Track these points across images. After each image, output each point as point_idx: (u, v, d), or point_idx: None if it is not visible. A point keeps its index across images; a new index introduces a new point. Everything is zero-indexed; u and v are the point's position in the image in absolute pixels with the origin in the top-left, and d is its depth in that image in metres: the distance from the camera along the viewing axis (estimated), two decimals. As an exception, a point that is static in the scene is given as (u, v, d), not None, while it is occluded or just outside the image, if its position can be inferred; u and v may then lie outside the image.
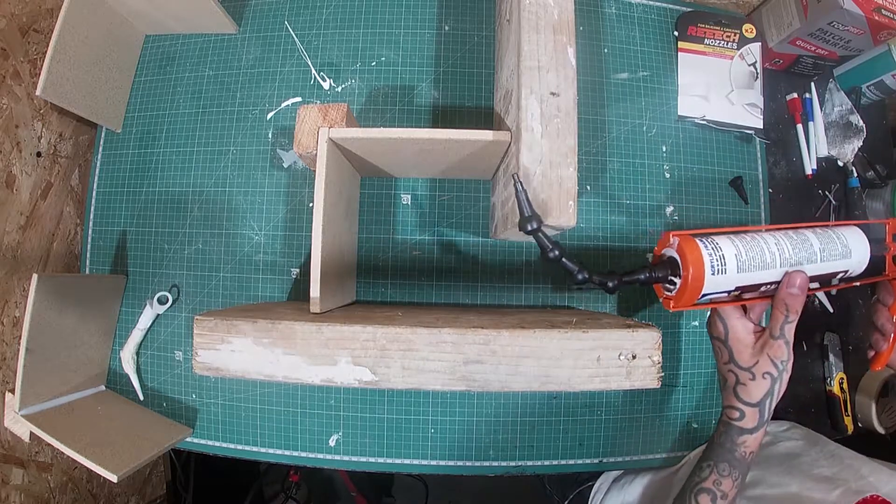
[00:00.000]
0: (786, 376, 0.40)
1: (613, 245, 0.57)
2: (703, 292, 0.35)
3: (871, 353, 0.48)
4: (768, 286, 0.38)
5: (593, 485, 0.63)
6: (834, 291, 0.61)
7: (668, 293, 0.37)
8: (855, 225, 0.41)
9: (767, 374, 0.40)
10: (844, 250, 0.39)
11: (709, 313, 0.43)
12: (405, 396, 0.54)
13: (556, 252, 0.35)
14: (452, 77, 0.58)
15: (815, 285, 0.39)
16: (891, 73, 0.59)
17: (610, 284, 0.36)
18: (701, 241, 0.36)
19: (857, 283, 0.43)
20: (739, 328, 0.41)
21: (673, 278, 0.36)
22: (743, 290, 0.37)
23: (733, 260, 0.35)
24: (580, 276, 0.35)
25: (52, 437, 0.46)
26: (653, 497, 0.56)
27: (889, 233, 0.43)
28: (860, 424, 0.60)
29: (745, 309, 0.42)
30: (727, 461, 0.41)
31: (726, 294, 0.37)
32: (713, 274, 0.35)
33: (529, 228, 0.35)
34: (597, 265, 0.57)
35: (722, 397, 0.43)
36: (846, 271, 0.40)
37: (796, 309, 0.38)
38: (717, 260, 0.35)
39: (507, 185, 0.43)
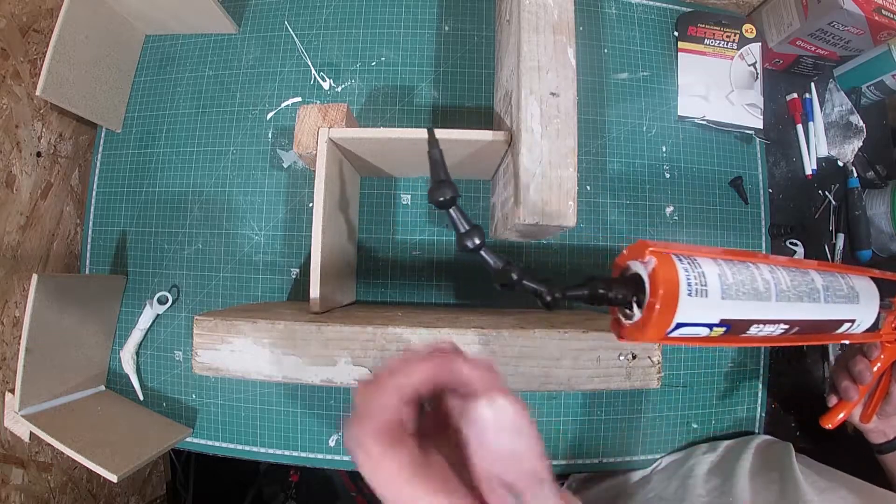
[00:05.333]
0: None
1: (613, 245, 0.57)
2: (675, 320, 0.26)
3: (834, 401, 0.45)
4: (760, 326, 0.29)
5: (563, 483, 0.63)
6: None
7: (625, 319, 0.29)
8: (865, 273, 0.34)
9: None
10: (851, 293, 0.32)
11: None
12: (405, 396, 0.54)
13: (477, 241, 0.27)
14: (452, 77, 0.58)
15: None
16: (891, 73, 0.59)
17: (547, 298, 0.26)
18: (676, 256, 0.28)
19: (847, 342, 0.37)
20: None
21: (634, 302, 0.28)
22: (731, 327, 0.28)
23: (716, 280, 0.27)
24: (513, 275, 0.26)
25: (52, 437, 0.46)
26: (616, 497, 0.55)
27: None
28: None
29: None
30: None
31: (708, 329, 0.28)
32: (690, 295, 0.26)
33: (441, 199, 0.27)
34: (596, 266, 0.57)
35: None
36: (853, 321, 0.32)
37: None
38: (695, 277, 0.27)
39: (507, 185, 0.43)
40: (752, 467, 0.48)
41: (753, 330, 0.29)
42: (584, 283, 0.27)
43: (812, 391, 0.60)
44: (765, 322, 0.29)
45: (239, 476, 1.01)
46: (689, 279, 0.27)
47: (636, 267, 0.28)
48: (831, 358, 0.60)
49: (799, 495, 0.42)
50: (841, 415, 0.43)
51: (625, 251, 0.29)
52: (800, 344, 0.36)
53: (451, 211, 0.26)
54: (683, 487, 0.50)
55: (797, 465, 0.47)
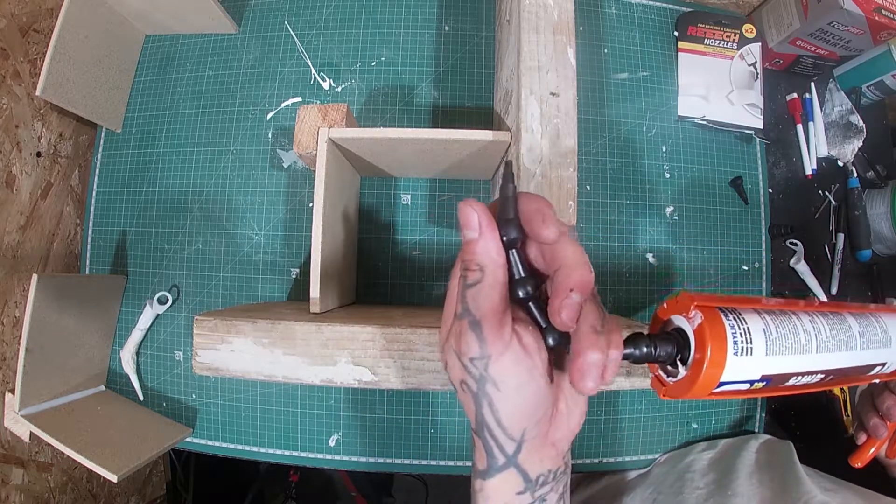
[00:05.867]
0: (493, 391, 0.23)
1: (613, 245, 0.57)
2: (720, 380, 0.26)
3: (863, 439, 0.44)
4: (799, 377, 0.29)
5: None
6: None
7: (666, 376, 0.28)
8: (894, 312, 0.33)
9: (463, 382, 0.24)
10: (884, 337, 0.32)
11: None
12: (405, 396, 0.54)
13: (530, 290, 0.25)
14: (452, 77, 0.58)
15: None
16: (891, 73, 0.59)
17: None
18: (721, 311, 0.27)
19: (877, 381, 0.36)
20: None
21: (677, 360, 0.27)
22: (770, 381, 0.28)
23: (761, 337, 0.27)
24: (549, 341, 0.24)
25: (52, 437, 0.46)
26: (615, 494, 0.55)
27: None
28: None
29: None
30: None
31: (748, 385, 0.28)
32: (737, 354, 0.26)
33: (504, 238, 0.24)
34: (596, 267, 0.56)
35: None
36: (883, 364, 0.32)
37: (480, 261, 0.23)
38: (741, 335, 0.26)
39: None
40: (751, 464, 0.49)
41: (792, 381, 0.29)
42: (627, 339, 0.26)
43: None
44: (805, 374, 0.29)
45: (239, 476, 1.01)
46: (735, 338, 0.26)
47: (679, 322, 0.27)
48: None
49: (802, 492, 0.42)
50: (871, 450, 0.42)
51: (665, 304, 0.28)
52: (831, 388, 0.35)
53: (510, 253, 0.24)
54: (681, 481, 0.50)
55: (800, 464, 0.47)
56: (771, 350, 0.27)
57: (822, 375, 0.30)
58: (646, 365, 0.34)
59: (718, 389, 0.27)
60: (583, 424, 0.26)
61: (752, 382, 0.28)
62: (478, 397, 0.24)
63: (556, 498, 0.27)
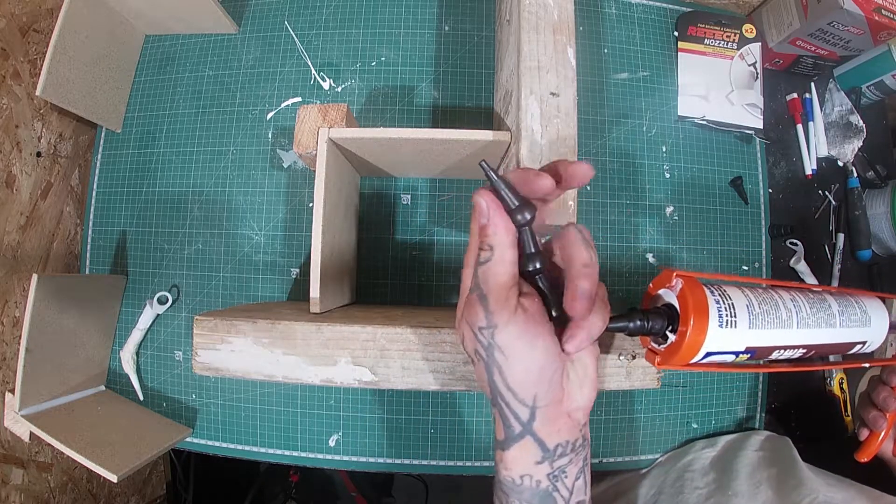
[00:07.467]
0: (500, 357, 0.25)
1: (613, 245, 0.57)
2: (704, 350, 0.28)
3: (865, 434, 0.44)
4: (781, 351, 0.31)
5: None
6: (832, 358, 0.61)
7: (657, 346, 0.31)
8: (874, 296, 0.36)
9: (476, 351, 0.26)
10: (863, 317, 0.34)
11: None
12: (405, 396, 0.54)
13: (538, 265, 0.27)
14: (452, 77, 0.58)
15: (836, 358, 0.35)
16: (891, 73, 0.59)
17: None
18: (706, 285, 0.30)
19: (867, 365, 0.39)
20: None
21: (668, 332, 0.29)
22: (755, 353, 0.30)
23: (744, 311, 0.29)
24: (553, 312, 0.27)
25: (52, 437, 0.46)
26: (615, 494, 0.55)
27: None
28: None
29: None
30: (497, 483, 0.29)
31: (733, 356, 0.30)
32: (721, 326, 0.28)
33: (520, 214, 0.26)
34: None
35: None
36: (864, 342, 0.34)
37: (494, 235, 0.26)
38: (725, 309, 0.28)
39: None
40: (752, 462, 0.49)
41: (775, 355, 0.31)
42: (624, 314, 0.29)
43: (812, 390, 0.60)
44: (786, 348, 0.31)
45: (239, 476, 1.01)
46: (720, 311, 0.28)
47: (667, 296, 0.30)
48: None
49: (805, 492, 0.42)
50: (877, 441, 0.43)
51: (651, 284, 0.31)
52: (816, 369, 0.37)
53: (522, 231, 0.27)
54: (681, 480, 0.50)
55: (802, 462, 0.47)
56: (754, 324, 0.29)
57: (804, 350, 0.32)
58: (645, 361, 0.34)
59: (707, 360, 0.29)
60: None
61: (737, 354, 0.30)
62: (488, 364, 0.26)
63: (576, 471, 0.28)
